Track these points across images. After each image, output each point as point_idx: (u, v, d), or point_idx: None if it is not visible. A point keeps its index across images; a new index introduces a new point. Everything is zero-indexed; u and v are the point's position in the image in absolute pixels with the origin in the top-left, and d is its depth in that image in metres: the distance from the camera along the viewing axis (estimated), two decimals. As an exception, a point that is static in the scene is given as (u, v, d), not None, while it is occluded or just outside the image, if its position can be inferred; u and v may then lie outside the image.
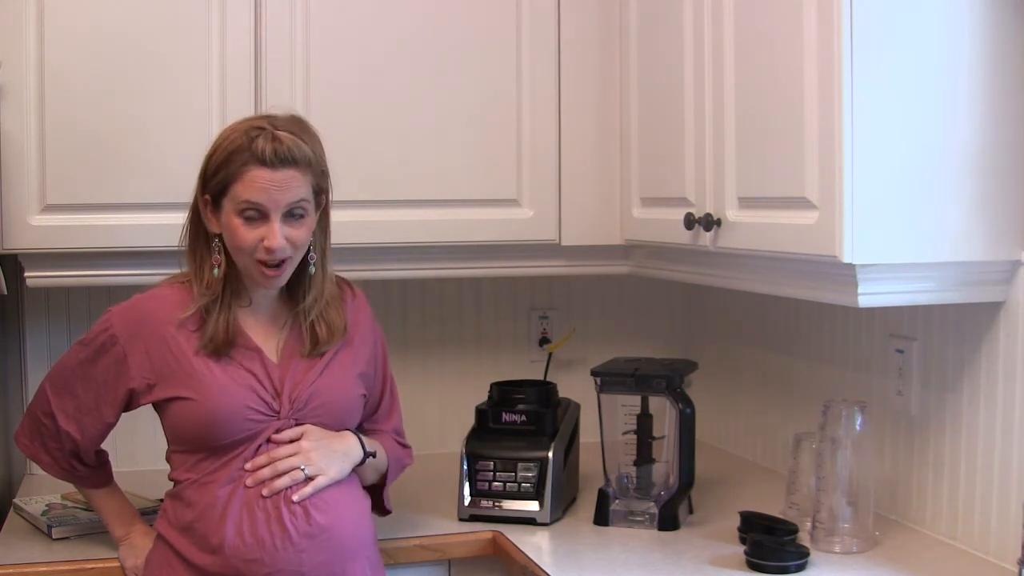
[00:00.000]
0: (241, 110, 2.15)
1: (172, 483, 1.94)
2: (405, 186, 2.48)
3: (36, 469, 2.66)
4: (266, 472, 1.87)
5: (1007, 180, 1.92)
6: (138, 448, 1.99)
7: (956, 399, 2.09)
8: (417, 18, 2.47)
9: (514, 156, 2.55)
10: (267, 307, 1.97)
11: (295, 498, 1.86)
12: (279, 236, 1.85)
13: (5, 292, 2.33)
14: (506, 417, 2.38)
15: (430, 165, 2.49)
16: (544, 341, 2.97)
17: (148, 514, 2.20)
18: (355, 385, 2.01)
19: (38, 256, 2.31)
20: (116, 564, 2.04)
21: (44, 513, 2.26)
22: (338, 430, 1.97)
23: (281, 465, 1.87)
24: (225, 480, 1.86)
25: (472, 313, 2.95)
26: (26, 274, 2.34)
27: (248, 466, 1.87)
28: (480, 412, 2.41)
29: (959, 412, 2.09)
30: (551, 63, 2.56)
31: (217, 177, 1.86)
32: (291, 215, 1.87)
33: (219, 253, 1.91)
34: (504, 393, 2.43)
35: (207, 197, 1.89)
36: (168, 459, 1.95)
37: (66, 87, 2.27)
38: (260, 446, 1.88)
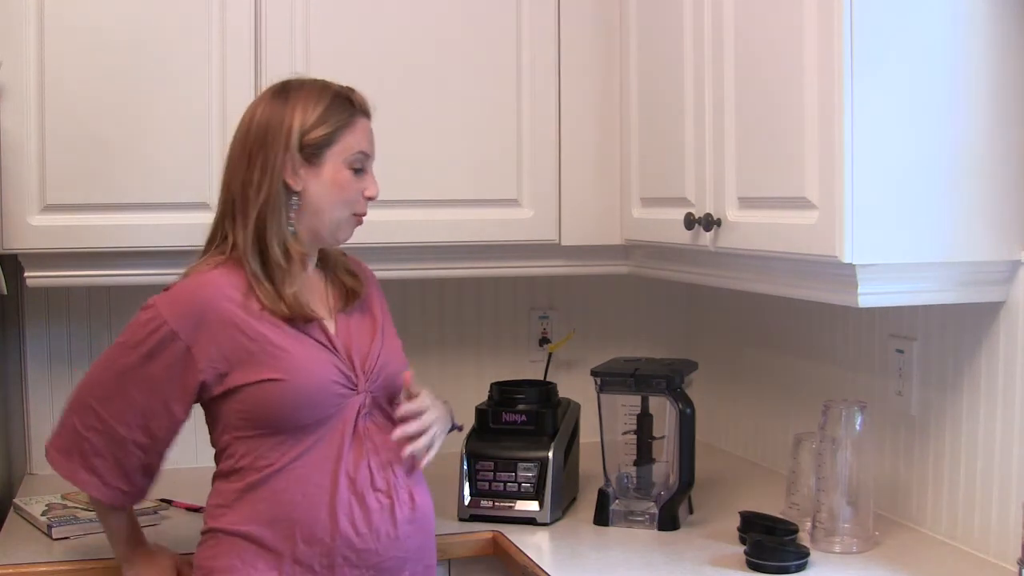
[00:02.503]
0: (241, 110, 2.14)
1: (231, 475, 1.83)
2: (405, 186, 2.47)
3: (36, 469, 2.66)
4: (422, 442, 1.88)
5: (1007, 180, 1.92)
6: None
7: (956, 399, 2.09)
8: (417, 18, 2.47)
9: (514, 156, 2.55)
10: (311, 268, 1.95)
11: (424, 463, 1.90)
12: (377, 185, 1.92)
13: (5, 292, 2.33)
14: (506, 417, 2.38)
15: (430, 165, 2.49)
16: (544, 341, 2.97)
17: (144, 514, 2.20)
18: (403, 353, 2.03)
19: (38, 256, 2.31)
20: (116, 564, 2.03)
21: (44, 513, 2.26)
22: (393, 401, 1.95)
23: (434, 440, 1.91)
24: (318, 463, 1.80)
25: (472, 313, 2.95)
26: (26, 274, 2.34)
27: (398, 433, 1.86)
28: (480, 412, 2.41)
29: (959, 412, 2.09)
30: (551, 63, 2.56)
31: (320, 129, 1.84)
32: None
33: (294, 212, 1.86)
34: (504, 393, 2.43)
35: (297, 154, 1.84)
36: (224, 449, 1.85)
37: (66, 87, 2.27)
38: (344, 428, 1.83)
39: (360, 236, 2.40)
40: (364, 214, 1.92)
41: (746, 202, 2.09)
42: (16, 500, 2.38)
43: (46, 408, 2.66)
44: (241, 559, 1.80)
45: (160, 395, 1.82)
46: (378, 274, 2.39)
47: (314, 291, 1.93)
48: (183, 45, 2.33)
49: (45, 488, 2.47)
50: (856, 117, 1.79)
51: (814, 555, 2.03)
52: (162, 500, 2.35)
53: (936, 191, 1.87)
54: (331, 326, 1.91)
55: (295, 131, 1.84)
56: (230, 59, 2.35)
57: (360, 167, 1.89)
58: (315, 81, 1.92)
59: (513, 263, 2.62)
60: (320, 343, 1.86)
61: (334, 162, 1.86)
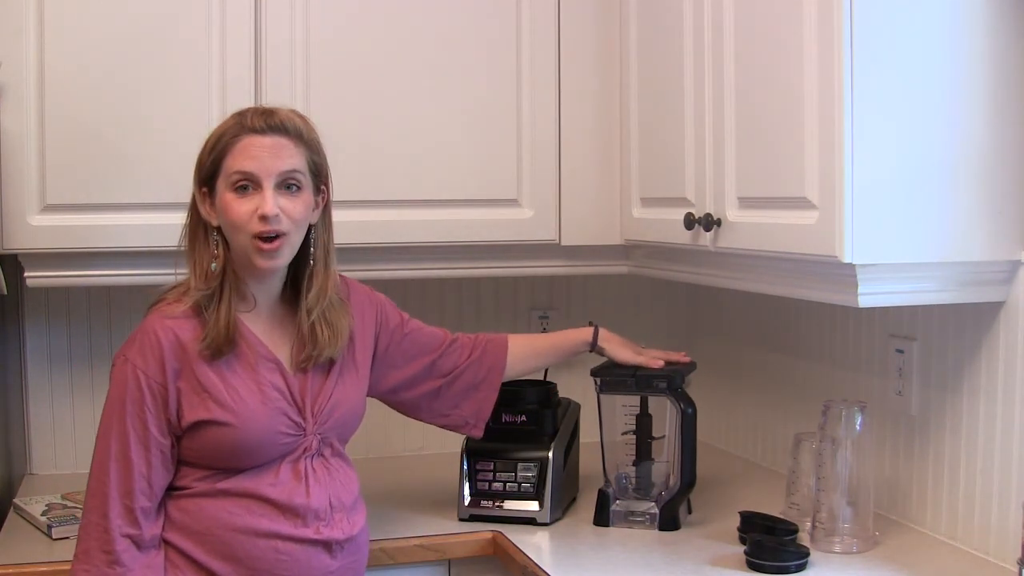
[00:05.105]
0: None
1: (174, 488, 1.85)
2: (405, 186, 2.48)
3: (36, 469, 2.67)
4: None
5: (1007, 180, 1.92)
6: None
7: (956, 399, 2.09)
8: (417, 18, 2.47)
9: (514, 156, 2.55)
10: (271, 309, 1.92)
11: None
12: (272, 203, 1.79)
13: (5, 292, 2.32)
14: (506, 417, 2.38)
15: (430, 165, 2.49)
16: (544, 341, 2.96)
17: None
18: (363, 395, 2.02)
19: (38, 256, 2.31)
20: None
21: (44, 513, 2.26)
22: (345, 441, 1.98)
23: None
24: (249, 488, 1.82)
25: (472, 313, 2.95)
26: (26, 274, 2.34)
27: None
28: (480, 412, 2.41)
29: (959, 412, 2.09)
30: (551, 63, 2.56)
31: (210, 160, 1.84)
32: (285, 187, 1.83)
33: (217, 247, 1.85)
34: (504, 393, 2.42)
35: (203, 189, 1.86)
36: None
37: (66, 86, 2.27)
38: (284, 461, 1.86)
39: (361, 236, 2.42)
40: (265, 236, 1.81)
41: (746, 202, 2.09)
42: (16, 500, 2.38)
43: (46, 408, 2.67)
44: (168, 560, 1.81)
45: (154, 432, 1.81)
46: (378, 274, 2.40)
47: (274, 331, 1.92)
48: (183, 44, 2.32)
49: (45, 488, 2.47)
50: (856, 117, 1.79)
51: (814, 555, 2.03)
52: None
53: (936, 191, 1.87)
54: (289, 366, 1.90)
55: (198, 166, 1.87)
56: (230, 59, 2.35)
57: (244, 186, 1.81)
58: (240, 111, 1.88)
59: (513, 263, 2.62)
60: (275, 387, 1.86)
61: (221, 189, 1.83)
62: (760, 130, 2.03)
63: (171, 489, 1.84)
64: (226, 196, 1.82)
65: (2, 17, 2.23)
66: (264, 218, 1.79)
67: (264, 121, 1.82)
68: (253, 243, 1.82)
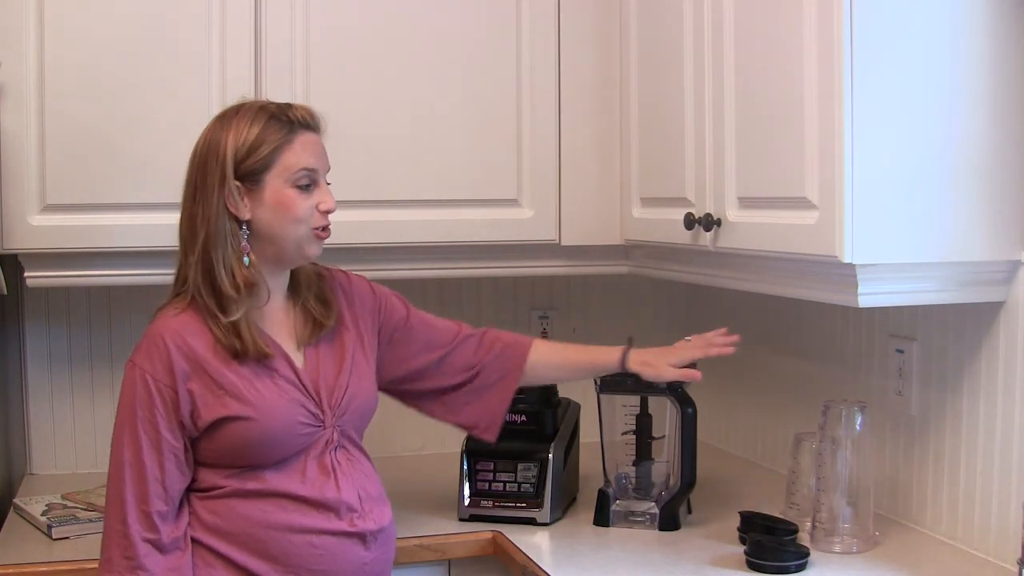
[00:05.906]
0: (241, 110, 2.15)
1: (191, 486, 1.84)
2: (405, 186, 2.48)
3: (36, 469, 2.67)
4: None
5: (1007, 180, 1.92)
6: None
7: (956, 399, 2.09)
8: (417, 18, 2.47)
9: (514, 156, 2.55)
10: (277, 300, 1.91)
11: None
12: (333, 198, 1.88)
13: (5, 292, 2.32)
14: (506, 417, 2.37)
15: (430, 165, 2.49)
16: (544, 341, 2.96)
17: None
18: (375, 385, 2.03)
19: (38, 256, 2.31)
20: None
21: (44, 513, 2.26)
22: (361, 432, 1.97)
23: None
24: (279, 486, 1.82)
25: (472, 313, 2.95)
26: (26, 274, 2.34)
27: None
28: (480, 412, 2.41)
29: (959, 412, 2.09)
30: (551, 63, 2.56)
31: (255, 155, 1.81)
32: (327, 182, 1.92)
33: (248, 241, 1.84)
34: (504, 393, 2.42)
35: (235, 183, 1.82)
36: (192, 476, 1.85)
37: (66, 86, 2.27)
38: (309, 457, 1.85)
39: (361, 236, 2.42)
40: (325, 227, 1.88)
41: (746, 202, 2.09)
42: (16, 500, 2.38)
43: (46, 408, 2.67)
44: (203, 560, 1.81)
45: (166, 435, 1.80)
46: (378, 274, 2.39)
47: (281, 323, 1.92)
48: (183, 44, 2.33)
49: (45, 488, 2.47)
50: (856, 117, 1.79)
51: (814, 555, 2.03)
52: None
53: (936, 191, 1.87)
54: (299, 360, 1.90)
55: (229, 161, 1.82)
56: (230, 59, 2.35)
57: (307, 183, 1.85)
58: (254, 103, 1.88)
59: (513, 263, 2.62)
60: (288, 380, 1.86)
61: (274, 184, 1.83)
62: (760, 130, 2.03)
63: (199, 491, 1.83)
64: (287, 192, 1.83)
65: (2, 17, 2.23)
66: (329, 211, 1.87)
67: (312, 116, 1.89)
68: (313, 233, 1.87)
